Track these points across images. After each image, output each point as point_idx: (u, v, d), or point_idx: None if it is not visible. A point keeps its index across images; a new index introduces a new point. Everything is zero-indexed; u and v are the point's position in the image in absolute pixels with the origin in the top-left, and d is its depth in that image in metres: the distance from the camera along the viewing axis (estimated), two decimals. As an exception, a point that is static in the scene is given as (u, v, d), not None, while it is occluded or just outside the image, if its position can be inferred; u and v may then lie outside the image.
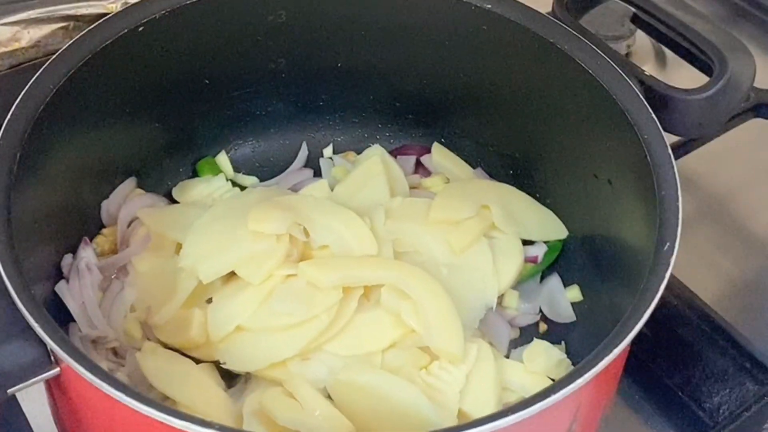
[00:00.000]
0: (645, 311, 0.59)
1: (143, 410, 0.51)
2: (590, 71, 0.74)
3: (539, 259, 0.80)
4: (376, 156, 0.84)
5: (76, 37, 0.71)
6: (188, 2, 0.76)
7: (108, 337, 0.69)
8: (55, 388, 0.60)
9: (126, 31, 0.73)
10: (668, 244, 0.63)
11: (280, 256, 0.72)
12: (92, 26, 0.72)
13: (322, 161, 0.88)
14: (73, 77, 0.69)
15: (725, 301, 0.89)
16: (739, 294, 0.92)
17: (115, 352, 0.70)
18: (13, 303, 0.56)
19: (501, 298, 0.77)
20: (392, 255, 0.76)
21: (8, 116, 0.65)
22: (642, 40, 1.10)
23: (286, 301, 0.70)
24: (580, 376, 0.54)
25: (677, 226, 0.64)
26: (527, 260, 0.79)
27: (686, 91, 0.77)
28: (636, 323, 0.58)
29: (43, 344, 0.56)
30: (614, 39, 1.06)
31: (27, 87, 0.67)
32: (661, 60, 1.11)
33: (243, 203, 0.77)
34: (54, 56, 0.69)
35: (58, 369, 0.57)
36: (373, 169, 0.82)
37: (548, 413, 0.54)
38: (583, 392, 0.56)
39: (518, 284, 0.79)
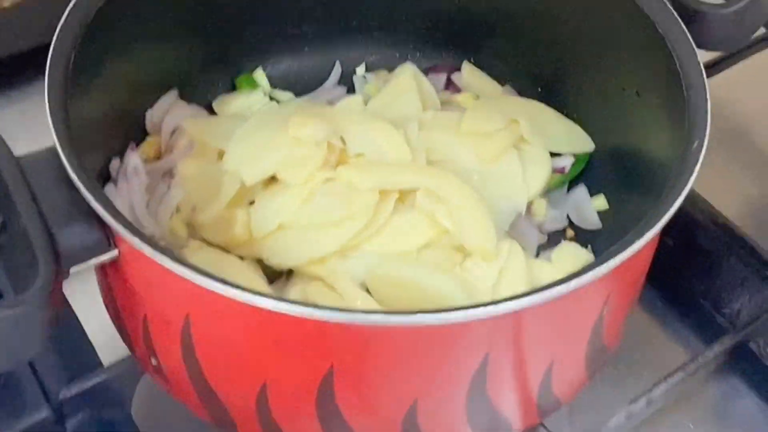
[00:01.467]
0: (678, 195, 0.61)
1: (199, 281, 0.54)
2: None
3: (566, 169, 0.82)
4: (408, 72, 0.86)
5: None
6: None
7: (155, 235, 0.72)
8: (112, 272, 0.63)
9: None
10: (697, 141, 0.65)
11: (320, 159, 0.74)
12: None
13: (355, 78, 0.90)
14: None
15: (746, 218, 0.91)
16: (760, 212, 0.95)
17: (163, 250, 0.73)
18: (75, 188, 0.58)
19: (530, 205, 0.80)
20: (425, 163, 0.78)
21: (61, 21, 0.68)
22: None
23: (326, 201, 0.73)
24: (616, 254, 0.57)
25: (706, 125, 0.66)
26: (555, 171, 0.82)
27: (715, 5, 0.79)
28: (670, 206, 0.60)
29: (102, 229, 0.59)
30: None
31: (70, 6, 0.69)
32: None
33: (282, 113, 0.80)
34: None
35: (116, 251, 0.60)
36: (405, 84, 0.85)
37: (583, 292, 0.57)
38: (616, 275, 0.59)
39: (546, 193, 0.82)
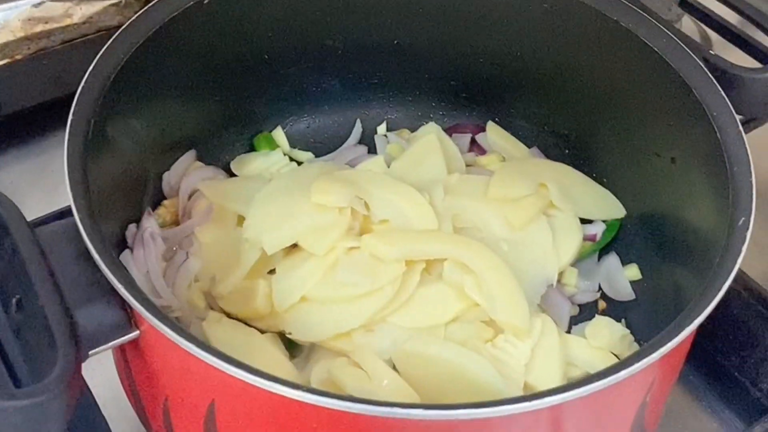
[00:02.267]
0: (725, 282, 0.58)
1: (229, 370, 0.51)
2: (656, 49, 0.74)
3: (597, 237, 0.80)
4: (432, 133, 0.84)
5: (144, 8, 0.71)
6: (253, -24, 0.76)
7: (172, 306, 0.69)
8: (131, 351, 0.60)
9: (192, 3, 0.73)
10: (743, 219, 0.63)
11: (343, 227, 0.72)
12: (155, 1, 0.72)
13: (376, 138, 0.88)
14: (142, 48, 0.69)
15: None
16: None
17: (179, 321, 0.70)
18: (95, 265, 0.55)
19: (561, 275, 0.77)
20: (452, 230, 0.75)
21: (81, 84, 0.65)
22: (688, 25, 1.09)
23: (351, 273, 0.70)
24: (664, 344, 0.54)
25: (751, 201, 0.64)
26: (586, 239, 0.79)
27: (753, 70, 0.77)
28: (716, 294, 0.57)
29: (123, 307, 0.56)
30: (662, 24, 1.06)
31: (98, 56, 0.67)
32: (706, 44, 1.11)
33: (303, 176, 0.77)
34: (124, 25, 0.70)
35: (137, 332, 0.57)
36: (429, 145, 0.82)
37: (630, 381, 0.54)
38: (662, 362, 0.56)
39: (577, 262, 0.79)
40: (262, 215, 0.73)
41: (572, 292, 0.77)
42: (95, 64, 0.67)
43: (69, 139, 0.62)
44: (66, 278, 0.56)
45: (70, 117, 0.63)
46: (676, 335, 0.55)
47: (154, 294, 0.69)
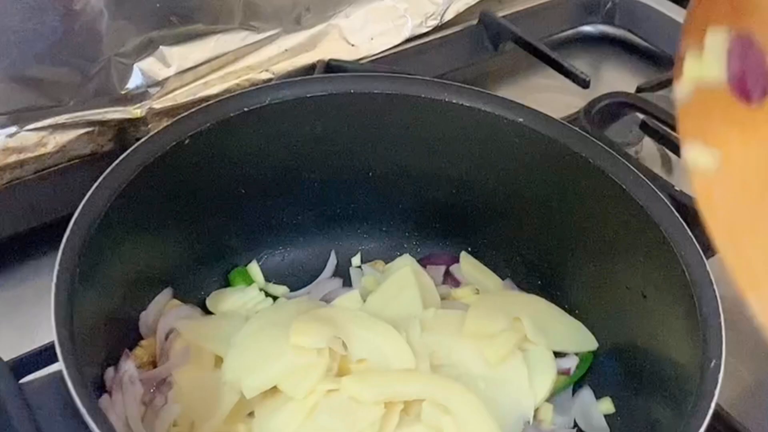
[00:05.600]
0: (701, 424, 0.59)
1: None
2: (624, 187, 0.76)
3: (571, 371, 0.80)
4: (407, 266, 0.85)
5: (132, 147, 0.72)
6: (232, 114, 0.77)
7: (151, 452, 0.69)
8: None
9: (174, 143, 0.74)
10: (714, 362, 0.64)
11: (322, 370, 0.72)
12: (144, 138, 0.73)
13: (351, 270, 0.88)
14: (127, 189, 0.70)
15: (741, 405, 0.89)
16: (756, 398, 0.93)
17: (158, 467, 0.69)
18: (81, 418, 0.55)
19: (536, 411, 0.77)
20: (429, 368, 0.76)
21: (67, 232, 0.65)
22: (648, 146, 1.12)
23: (330, 416, 0.70)
24: None
25: (721, 343, 0.66)
26: (560, 372, 0.80)
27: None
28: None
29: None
30: (624, 145, 1.09)
31: (83, 203, 0.68)
32: (667, 165, 1.14)
33: (280, 316, 0.77)
34: (107, 171, 0.70)
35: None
36: (404, 279, 0.83)
37: None
38: None
39: (551, 397, 0.79)
40: (240, 357, 0.73)
41: (548, 429, 0.77)
42: (82, 206, 0.68)
43: (57, 282, 0.62)
44: (52, 433, 0.55)
45: (59, 258, 0.63)
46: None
47: (133, 441, 0.68)
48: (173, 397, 0.72)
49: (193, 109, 0.76)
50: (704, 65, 0.43)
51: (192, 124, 0.75)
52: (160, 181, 0.74)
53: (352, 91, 0.82)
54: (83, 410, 0.55)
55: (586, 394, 0.80)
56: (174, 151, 0.74)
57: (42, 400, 0.56)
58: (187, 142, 0.75)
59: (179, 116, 0.76)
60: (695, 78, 0.44)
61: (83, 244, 0.65)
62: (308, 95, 0.80)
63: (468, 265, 0.88)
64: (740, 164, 0.41)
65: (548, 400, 0.79)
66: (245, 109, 0.78)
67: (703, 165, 0.42)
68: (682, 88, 0.45)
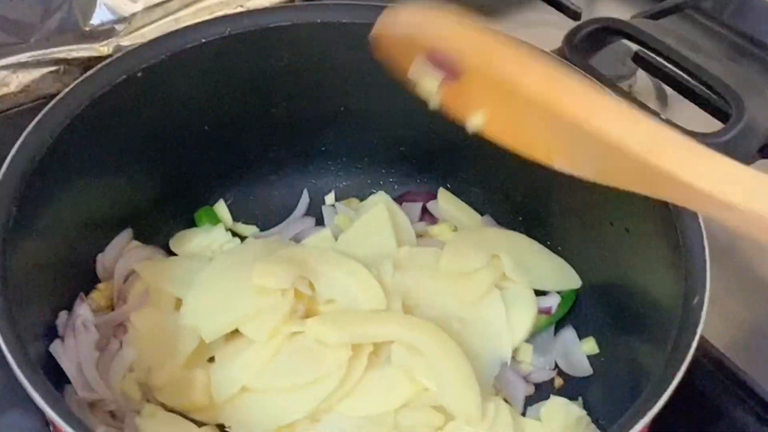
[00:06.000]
0: (678, 370, 0.56)
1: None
2: (606, 116, 0.71)
3: (553, 310, 0.77)
4: (381, 204, 0.81)
5: (72, 84, 0.69)
6: (189, 46, 0.73)
7: (106, 399, 0.66)
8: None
9: (125, 77, 0.70)
10: (697, 297, 0.61)
11: (286, 311, 0.69)
12: (90, 72, 0.69)
13: (324, 209, 0.85)
14: (71, 125, 0.67)
15: (736, 346, 0.86)
16: (751, 339, 0.89)
17: (113, 414, 0.66)
18: (11, 371, 0.52)
19: (515, 352, 0.74)
20: (401, 309, 0.72)
21: (3, 170, 0.62)
22: (642, 79, 1.08)
23: (293, 360, 0.67)
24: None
25: (705, 277, 0.62)
26: (540, 311, 0.77)
27: (704, 135, 0.75)
28: (670, 383, 0.55)
29: (42, 414, 0.53)
30: (616, 78, 1.04)
31: (22, 137, 0.64)
32: (662, 100, 1.09)
33: (245, 256, 0.74)
34: (50, 104, 0.67)
35: (56, 440, 0.53)
36: (378, 217, 0.80)
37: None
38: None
39: (531, 337, 0.76)
40: (199, 300, 0.70)
41: (527, 370, 0.74)
42: (20, 143, 0.65)
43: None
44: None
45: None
46: (635, 424, 0.53)
47: (86, 387, 0.65)
48: (129, 341, 0.69)
49: (144, 41, 0.72)
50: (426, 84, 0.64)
51: (144, 57, 0.71)
52: (110, 118, 0.70)
53: (318, 21, 0.77)
54: (10, 358, 0.51)
55: (569, 334, 0.77)
56: (124, 85, 0.70)
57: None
58: (139, 75, 0.71)
59: (130, 48, 0.71)
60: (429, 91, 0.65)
61: (18, 187, 0.61)
62: (271, 25, 0.76)
63: (446, 202, 0.84)
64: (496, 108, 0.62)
65: (528, 340, 0.75)
66: (203, 41, 0.73)
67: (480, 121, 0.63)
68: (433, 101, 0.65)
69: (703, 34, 1.16)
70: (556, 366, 0.76)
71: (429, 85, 0.64)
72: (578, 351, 0.75)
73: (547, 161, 0.62)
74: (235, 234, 0.81)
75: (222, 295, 0.70)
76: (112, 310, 0.72)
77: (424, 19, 0.63)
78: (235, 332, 0.69)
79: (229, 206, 0.83)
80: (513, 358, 0.74)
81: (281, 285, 0.69)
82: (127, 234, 0.76)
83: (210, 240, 0.78)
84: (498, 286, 0.75)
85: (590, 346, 0.75)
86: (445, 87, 0.64)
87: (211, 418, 0.67)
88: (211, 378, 0.67)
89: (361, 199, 0.85)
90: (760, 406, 0.76)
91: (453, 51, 0.61)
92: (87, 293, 0.72)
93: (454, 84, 0.63)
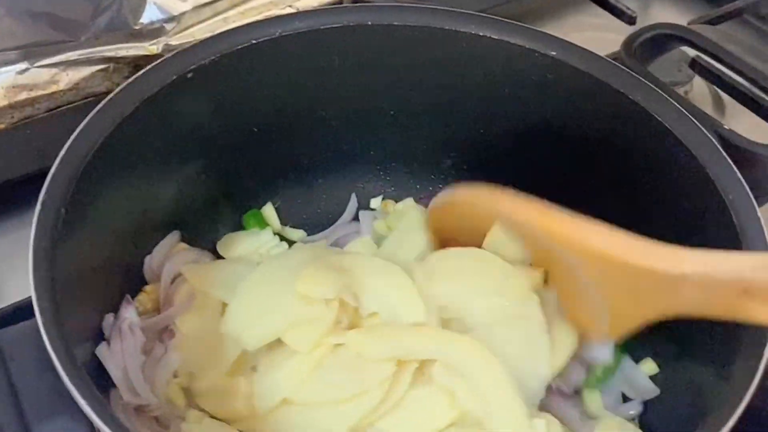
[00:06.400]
0: (744, 395, 0.55)
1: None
2: (666, 124, 0.70)
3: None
4: (413, 209, 0.80)
5: (122, 84, 0.68)
6: (239, 47, 0.73)
7: (151, 405, 0.65)
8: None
9: (175, 77, 0.69)
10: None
11: (330, 322, 0.67)
12: (140, 72, 0.69)
13: (361, 214, 0.83)
14: (121, 126, 0.66)
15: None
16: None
17: (158, 420, 0.65)
18: (58, 375, 0.51)
19: (585, 399, 0.72)
20: (440, 322, 0.70)
21: (52, 170, 0.61)
22: (699, 86, 1.05)
23: (336, 373, 0.66)
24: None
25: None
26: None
27: (757, 145, 0.72)
28: (736, 409, 0.54)
29: (89, 422, 0.52)
30: (672, 85, 1.02)
31: (72, 138, 0.64)
32: (719, 107, 1.07)
33: (290, 263, 0.72)
34: (100, 105, 0.66)
35: (102, 449, 0.52)
36: (413, 222, 0.78)
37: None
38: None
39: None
40: (243, 307, 0.69)
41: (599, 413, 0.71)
42: (70, 143, 0.64)
43: (36, 233, 0.58)
44: (27, 389, 0.52)
45: (38, 205, 0.60)
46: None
47: (131, 392, 0.65)
48: (174, 346, 0.68)
49: (193, 41, 0.71)
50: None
51: (195, 57, 0.70)
52: (159, 119, 0.69)
53: (369, 23, 0.76)
54: (57, 363, 0.51)
55: (625, 361, 0.73)
56: (175, 85, 0.69)
57: (16, 351, 0.53)
58: (190, 75, 0.70)
59: (181, 48, 0.71)
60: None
61: (69, 186, 0.61)
62: (322, 27, 0.75)
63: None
64: None
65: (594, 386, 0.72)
66: (253, 42, 0.73)
67: None
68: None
69: (763, 40, 1.13)
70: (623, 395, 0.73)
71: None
72: (640, 375, 0.72)
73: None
74: (283, 238, 0.80)
75: (266, 302, 0.69)
76: (159, 313, 0.71)
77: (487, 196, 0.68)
78: (279, 341, 0.68)
79: (277, 210, 0.82)
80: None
81: (326, 295, 0.68)
82: (175, 236, 0.75)
83: (258, 244, 0.78)
84: (536, 293, 0.72)
85: (649, 366, 0.73)
86: None
87: (252, 428, 0.65)
88: (254, 388, 0.66)
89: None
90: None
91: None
92: (134, 296, 0.71)
93: None
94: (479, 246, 0.72)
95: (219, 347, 0.67)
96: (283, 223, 0.82)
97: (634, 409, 0.72)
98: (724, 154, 0.67)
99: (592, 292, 0.62)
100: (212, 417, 0.66)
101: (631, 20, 1.00)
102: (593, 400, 0.71)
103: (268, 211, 0.81)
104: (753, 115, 0.90)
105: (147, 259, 0.73)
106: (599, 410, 0.71)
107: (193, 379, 0.67)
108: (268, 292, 0.70)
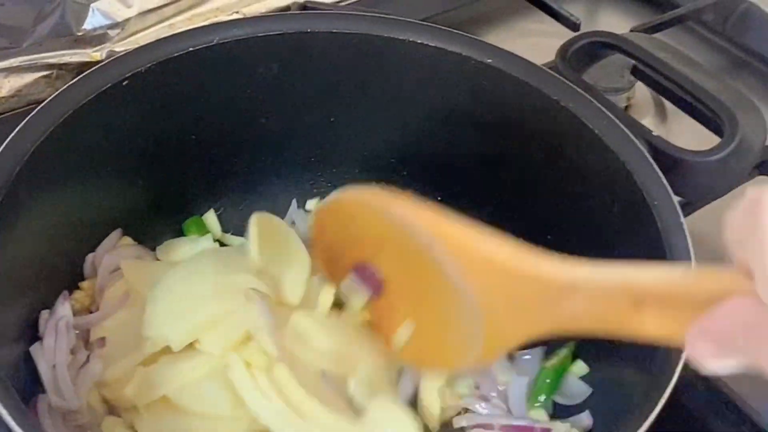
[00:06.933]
0: (663, 392, 0.57)
1: None
2: (596, 131, 0.71)
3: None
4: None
5: (58, 91, 0.68)
6: (176, 54, 0.73)
7: (76, 410, 0.64)
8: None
9: (110, 84, 0.69)
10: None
11: (243, 330, 0.67)
12: (74, 80, 0.69)
13: (294, 214, 0.84)
14: (54, 133, 0.66)
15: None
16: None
17: (82, 429, 0.65)
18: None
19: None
20: None
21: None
22: (641, 92, 1.07)
23: (221, 389, 0.65)
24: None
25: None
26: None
27: (696, 153, 0.74)
28: (655, 405, 0.55)
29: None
30: (614, 91, 1.03)
31: (6, 142, 0.64)
32: (661, 113, 1.08)
33: (207, 265, 0.73)
34: (34, 111, 0.66)
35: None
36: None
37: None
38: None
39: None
40: (161, 308, 0.69)
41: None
42: (6, 145, 0.64)
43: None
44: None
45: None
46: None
47: (58, 394, 0.64)
48: (100, 355, 0.67)
49: (131, 49, 0.71)
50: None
51: (131, 64, 0.71)
52: (94, 125, 0.69)
53: (309, 30, 0.77)
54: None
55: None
56: (110, 92, 0.69)
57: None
58: (125, 83, 0.70)
59: (116, 56, 0.71)
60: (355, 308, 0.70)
61: (3, 188, 0.61)
62: (261, 34, 0.75)
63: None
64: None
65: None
66: (190, 49, 0.73)
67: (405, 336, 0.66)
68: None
69: (704, 47, 1.15)
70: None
71: (356, 303, 0.68)
72: (571, 377, 0.73)
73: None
74: (223, 245, 0.80)
75: (183, 303, 0.69)
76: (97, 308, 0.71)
77: (378, 197, 0.66)
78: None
79: (219, 216, 0.82)
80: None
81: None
82: (117, 234, 0.76)
83: (197, 250, 0.78)
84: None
85: (580, 367, 0.74)
86: (372, 304, 0.68)
87: (130, 421, 0.66)
88: (142, 377, 0.66)
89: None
90: (751, 426, 0.75)
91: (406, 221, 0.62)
92: (71, 292, 0.71)
93: (379, 301, 0.68)
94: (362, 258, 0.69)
95: (141, 342, 0.67)
96: (225, 230, 0.82)
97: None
98: (651, 160, 0.69)
99: (468, 311, 0.58)
100: (129, 426, 0.66)
101: (575, 26, 1.01)
102: (540, 415, 0.72)
103: (210, 217, 0.81)
104: (693, 120, 0.91)
105: (89, 256, 0.73)
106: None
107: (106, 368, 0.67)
108: (185, 292, 0.70)
